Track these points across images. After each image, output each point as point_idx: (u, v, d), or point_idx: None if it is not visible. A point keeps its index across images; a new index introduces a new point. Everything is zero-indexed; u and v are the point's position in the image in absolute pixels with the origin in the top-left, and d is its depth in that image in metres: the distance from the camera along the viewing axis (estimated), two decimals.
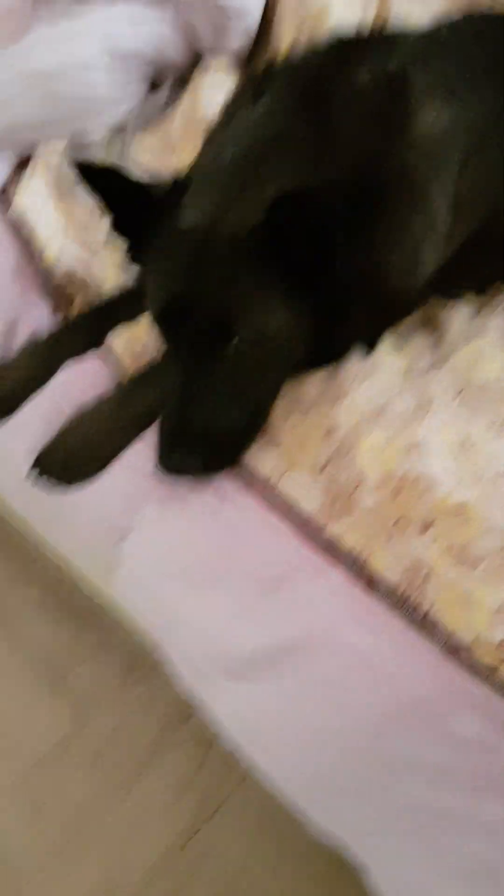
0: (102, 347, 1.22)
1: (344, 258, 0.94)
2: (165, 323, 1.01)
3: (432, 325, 1.16)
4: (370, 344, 1.14)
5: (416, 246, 1.06)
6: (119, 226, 1.05)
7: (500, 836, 0.82)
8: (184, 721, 1.53)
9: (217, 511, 1.02)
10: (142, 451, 1.10)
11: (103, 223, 1.33)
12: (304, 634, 0.93)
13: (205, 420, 0.97)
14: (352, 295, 1.00)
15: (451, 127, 1.07)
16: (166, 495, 1.06)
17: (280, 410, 1.05)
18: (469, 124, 1.08)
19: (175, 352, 1.02)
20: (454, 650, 0.86)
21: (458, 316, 1.15)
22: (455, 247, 1.12)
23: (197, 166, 1.12)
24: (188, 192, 1.02)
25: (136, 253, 1.08)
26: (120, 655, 1.64)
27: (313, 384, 1.07)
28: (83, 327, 1.26)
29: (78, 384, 1.19)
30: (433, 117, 1.06)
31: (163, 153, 1.50)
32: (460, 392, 1.04)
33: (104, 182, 0.99)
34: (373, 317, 1.11)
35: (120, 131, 1.53)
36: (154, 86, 1.58)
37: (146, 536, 1.09)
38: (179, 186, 1.03)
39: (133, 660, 1.62)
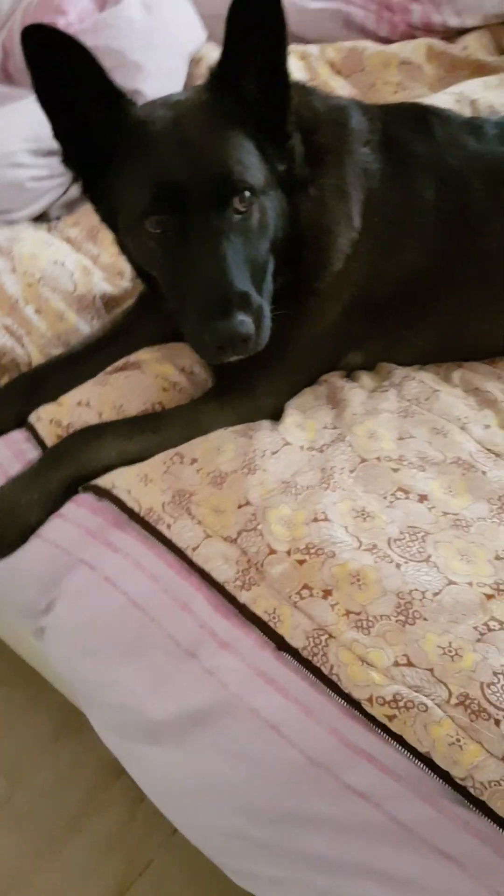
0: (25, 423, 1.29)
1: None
2: (166, 198, 1.07)
3: (332, 403, 1.28)
4: (276, 413, 1.27)
5: (337, 217, 1.25)
6: (70, 158, 1.16)
7: (392, 882, 0.90)
8: (114, 778, 1.58)
9: (134, 582, 1.09)
10: (60, 524, 1.17)
11: (29, 308, 1.42)
12: (217, 700, 1.00)
13: (240, 282, 1.06)
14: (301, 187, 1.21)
15: (365, 171, 1.28)
16: (85, 567, 1.13)
17: (198, 484, 1.14)
18: (373, 183, 1.28)
19: (184, 226, 1.08)
20: (353, 706, 0.95)
21: (355, 396, 1.27)
22: (346, 299, 1.28)
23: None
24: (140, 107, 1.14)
25: (90, 187, 1.18)
26: (50, 715, 1.68)
27: (228, 460, 1.16)
28: (5, 402, 1.33)
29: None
30: (362, 149, 1.28)
31: (87, 238, 1.60)
32: (357, 467, 1.15)
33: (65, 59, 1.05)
34: (298, 291, 1.24)
35: (41, 217, 1.63)
36: None
37: (67, 608, 1.15)
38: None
39: (63, 719, 1.66)
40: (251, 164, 1.11)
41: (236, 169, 1.09)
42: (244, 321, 1.04)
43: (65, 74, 1.07)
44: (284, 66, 1.11)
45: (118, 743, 1.16)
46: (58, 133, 1.13)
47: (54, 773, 1.61)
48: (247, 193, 1.09)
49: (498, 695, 0.90)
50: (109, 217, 1.21)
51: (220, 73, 1.13)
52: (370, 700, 0.94)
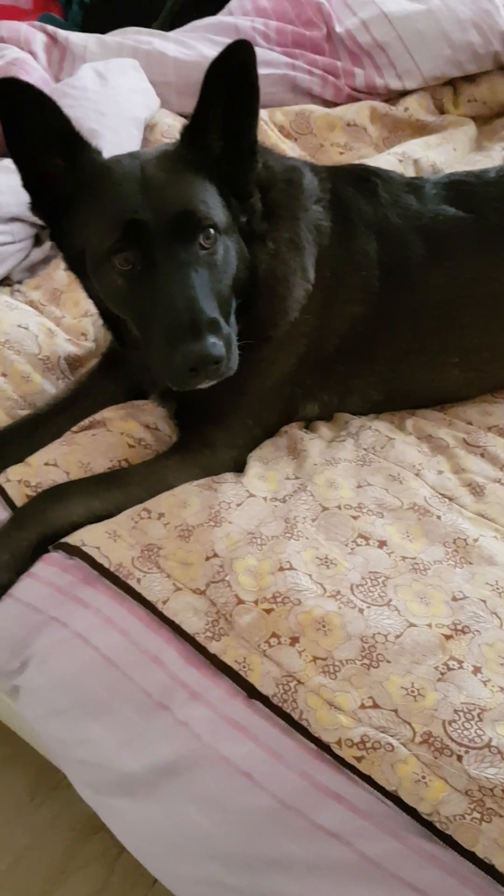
0: None
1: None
2: (133, 235, 1.13)
3: (292, 454, 1.33)
4: (238, 465, 1.32)
5: (293, 269, 1.33)
6: (37, 206, 1.22)
7: None
8: (92, 834, 1.58)
9: (106, 637, 1.11)
10: (31, 584, 1.20)
11: None
12: (189, 750, 1.03)
13: (209, 309, 1.11)
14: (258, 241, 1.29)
15: (317, 227, 1.36)
16: (57, 625, 1.15)
17: (165, 538, 1.17)
18: (324, 239, 1.36)
19: (152, 262, 1.13)
20: (323, 749, 0.98)
21: (314, 446, 1.32)
22: (300, 349, 1.35)
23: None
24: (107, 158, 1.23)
25: (58, 233, 1.25)
26: (26, 773, 1.68)
27: (194, 513, 1.20)
28: None
29: None
30: (314, 207, 1.36)
31: (50, 301, 1.64)
32: (318, 515, 1.20)
33: (32, 110, 1.13)
34: (256, 326, 1.30)
35: (3, 281, 1.68)
36: (38, 239, 1.74)
37: (40, 666, 1.17)
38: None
39: (39, 777, 1.66)
40: (214, 206, 1.18)
41: (201, 208, 1.15)
42: (216, 343, 1.09)
43: (34, 126, 1.15)
44: (253, 130, 1.20)
45: (94, 797, 1.18)
46: (26, 182, 1.20)
47: (32, 832, 1.61)
48: (211, 231, 1.16)
49: (459, 731, 0.94)
50: (77, 261, 1.26)
51: (191, 127, 1.20)
52: (339, 743, 0.97)
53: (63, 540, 1.21)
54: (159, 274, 1.13)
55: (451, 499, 1.24)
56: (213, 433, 1.33)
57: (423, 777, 0.93)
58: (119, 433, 1.36)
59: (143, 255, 1.14)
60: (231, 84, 1.15)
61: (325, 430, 1.39)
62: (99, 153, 1.22)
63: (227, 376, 1.15)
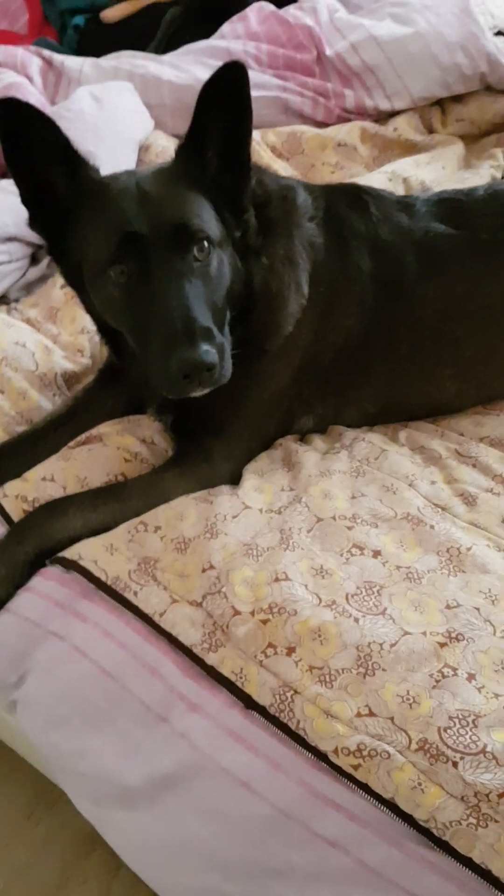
0: None
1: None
2: (130, 247, 1.16)
3: (288, 466, 1.35)
4: (234, 478, 1.33)
5: (288, 283, 1.35)
6: (36, 221, 1.25)
7: None
8: (89, 851, 1.57)
9: (104, 650, 1.12)
10: (29, 598, 1.20)
11: None
12: (189, 761, 1.03)
13: (202, 318, 1.13)
14: (253, 253, 1.31)
15: (311, 244, 1.39)
16: (55, 639, 1.16)
17: (162, 551, 1.18)
18: (318, 255, 1.39)
19: (147, 273, 1.16)
20: (320, 758, 0.99)
21: (309, 458, 1.34)
22: (296, 362, 1.37)
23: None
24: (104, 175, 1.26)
25: (55, 247, 1.28)
26: (24, 790, 1.67)
27: (190, 525, 1.21)
28: None
29: None
30: (308, 224, 1.39)
31: (47, 318, 1.66)
32: (314, 526, 1.21)
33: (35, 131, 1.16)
34: (252, 339, 1.31)
35: (0, 300, 1.70)
36: (35, 258, 1.77)
37: (38, 680, 1.18)
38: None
39: (37, 794, 1.65)
40: (208, 219, 1.21)
41: (194, 220, 1.18)
42: (209, 350, 1.11)
43: (34, 144, 1.18)
44: (247, 146, 1.23)
45: (93, 810, 1.18)
46: (25, 198, 1.23)
47: (29, 849, 1.60)
48: (205, 243, 1.18)
49: (454, 738, 0.95)
50: (74, 275, 1.28)
51: (186, 145, 1.24)
52: (336, 751, 0.98)
53: (60, 554, 1.22)
54: (155, 284, 1.15)
55: (444, 508, 1.26)
56: (210, 446, 1.34)
57: (420, 784, 0.93)
58: (116, 448, 1.37)
59: (139, 266, 1.16)
60: (225, 102, 1.18)
61: (319, 443, 1.41)
62: (97, 170, 1.25)
63: (221, 384, 1.16)
